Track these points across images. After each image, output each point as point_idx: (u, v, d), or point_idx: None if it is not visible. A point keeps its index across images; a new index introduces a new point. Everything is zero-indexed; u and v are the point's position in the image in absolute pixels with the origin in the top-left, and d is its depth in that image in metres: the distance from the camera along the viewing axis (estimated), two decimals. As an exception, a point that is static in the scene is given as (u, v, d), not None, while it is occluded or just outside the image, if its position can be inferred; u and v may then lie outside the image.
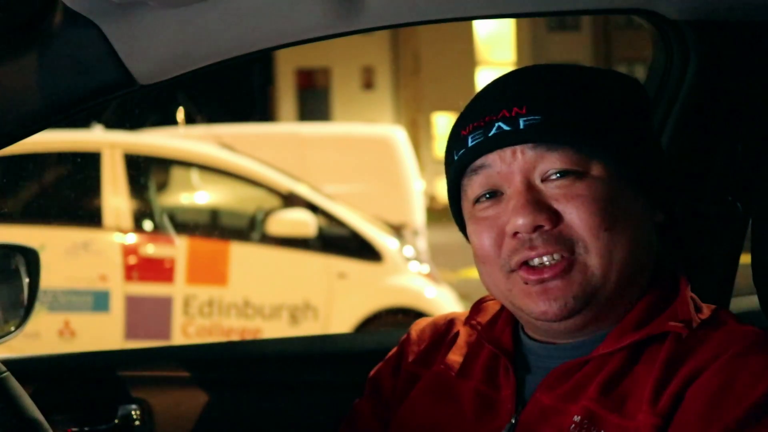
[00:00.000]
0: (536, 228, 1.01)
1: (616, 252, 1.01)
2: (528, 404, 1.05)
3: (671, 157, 1.42)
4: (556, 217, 1.02)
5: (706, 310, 1.04)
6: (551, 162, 1.02)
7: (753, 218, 1.21)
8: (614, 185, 1.03)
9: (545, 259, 1.02)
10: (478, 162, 1.06)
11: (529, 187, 1.03)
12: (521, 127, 1.03)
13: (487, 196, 1.06)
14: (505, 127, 1.03)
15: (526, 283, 1.03)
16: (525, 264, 1.03)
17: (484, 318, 1.20)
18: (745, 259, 1.26)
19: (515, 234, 1.03)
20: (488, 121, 1.05)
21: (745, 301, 1.57)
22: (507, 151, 1.04)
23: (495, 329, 1.16)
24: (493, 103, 1.06)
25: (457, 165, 1.09)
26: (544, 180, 1.03)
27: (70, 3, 1.06)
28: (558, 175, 1.02)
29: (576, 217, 1.01)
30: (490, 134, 1.04)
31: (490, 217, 1.06)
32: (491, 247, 1.05)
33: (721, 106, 1.42)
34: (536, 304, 1.02)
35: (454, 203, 1.14)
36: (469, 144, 1.06)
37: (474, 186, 1.07)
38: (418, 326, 1.28)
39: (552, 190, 1.03)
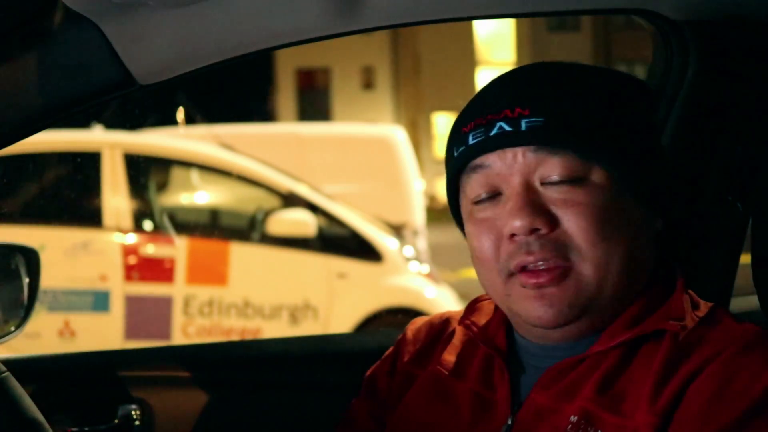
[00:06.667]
0: (533, 231, 1.00)
1: (612, 263, 1.00)
2: (524, 405, 1.04)
3: (671, 157, 1.42)
4: (553, 222, 1.00)
5: (704, 307, 1.03)
6: (552, 166, 1.00)
7: (753, 218, 1.21)
8: (615, 193, 1.01)
9: (541, 264, 1.00)
10: (478, 161, 1.04)
11: (528, 189, 1.01)
12: (523, 128, 1.00)
13: (487, 196, 1.04)
14: (507, 128, 1.01)
15: (524, 287, 1.01)
16: (523, 268, 1.01)
17: (478, 318, 1.18)
18: (745, 259, 1.26)
19: (512, 236, 1.01)
20: (490, 119, 1.03)
21: (745, 301, 1.57)
22: (508, 153, 1.02)
23: (489, 329, 1.15)
24: (497, 102, 1.04)
25: (457, 162, 1.07)
26: (543, 183, 1.01)
27: (70, 3, 1.06)
28: (558, 179, 1.00)
29: (574, 224, 0.99)
30: (491, 134, 1.02)
31: (489, 218, 1.04)
32: (490, 250, 1.04)
33: (721, 106, 1.41)
34: (533, 309, 1.01)
35: (452, 200, 1.12)
36: (470, 142, 1.04)
37: (473, 185, 1.06)
38: (414, 325, 1.27)
39: (551, 194, 1.01)
